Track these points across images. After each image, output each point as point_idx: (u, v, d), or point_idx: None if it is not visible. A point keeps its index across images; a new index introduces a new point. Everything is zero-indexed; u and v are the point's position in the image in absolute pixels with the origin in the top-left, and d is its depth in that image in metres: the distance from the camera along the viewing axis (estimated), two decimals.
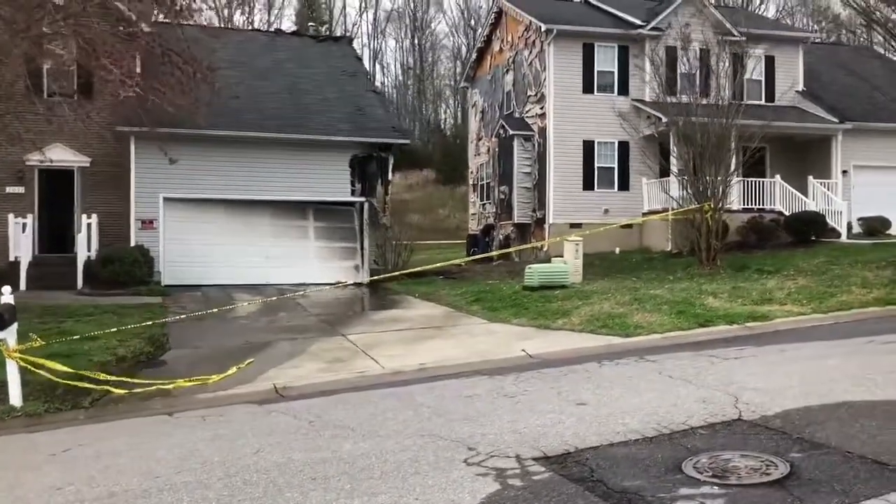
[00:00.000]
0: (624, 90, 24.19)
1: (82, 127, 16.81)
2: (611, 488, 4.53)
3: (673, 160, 19.60)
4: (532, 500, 4.41)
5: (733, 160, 18.63)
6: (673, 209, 18.42)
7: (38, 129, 16.14)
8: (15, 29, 11.89)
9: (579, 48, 23.99)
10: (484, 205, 29.54)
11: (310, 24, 55.87)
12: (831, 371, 7.41)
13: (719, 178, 17.17)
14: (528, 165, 25.20)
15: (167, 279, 18.39)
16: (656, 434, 5.55)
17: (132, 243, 18.39)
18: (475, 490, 4.61)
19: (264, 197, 19.78)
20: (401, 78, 66.65)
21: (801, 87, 25.74)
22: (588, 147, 23.89)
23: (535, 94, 25.00)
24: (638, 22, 24.28)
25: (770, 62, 25.27)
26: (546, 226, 23.78)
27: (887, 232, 22.91)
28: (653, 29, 23.84)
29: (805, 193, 21.95)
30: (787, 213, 21.37)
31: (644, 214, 22.30)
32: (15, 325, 7.61)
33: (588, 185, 23.93)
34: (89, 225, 18.18)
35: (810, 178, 22.49)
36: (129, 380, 7.93)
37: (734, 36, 21.95)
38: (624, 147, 23.78)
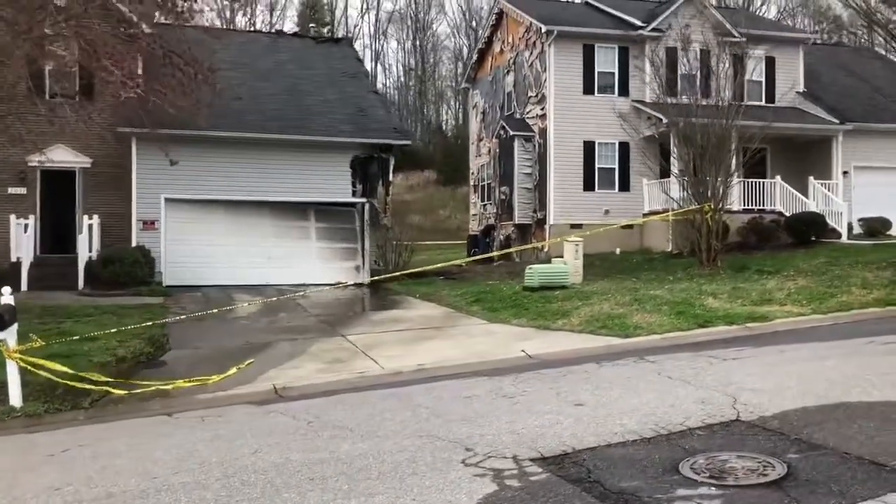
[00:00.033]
0: (624, 91, 24.21)
1: (84, 128, 16.84)
2: (608, 489, 4.53)
3: (673, 161, 19.59)
4: (529, 501, 4.42)
5: (733, 161, 18.63)
6: (673, 210, 18.41)
7: (40, 131, 16.19)
8: (17, 30, 11.93)
9: (580, 49, 24.01)
10: (485, 205, 29.56)
11: (311, 25, 56.00)
12: (830, 372, 7.40)
13: (719, 179, 17.17)
14: (528, 166, 25.21)
15: (168, 280, 18.43)
16: (654, 435, 5.55)
17: (133, 244, 18.43)
18: (472, 491, 4.62)
19: (266, 198, 19.82)
20: (402, 79, 66.85)
21: (801, 87, 25.75)
22: (588, 148, 23.91)
23: (536, 95, 25.02)
24: (638, 23, 24.30)
25: (770, 63, 25.27)
26: (546, 226, 23.80)
27: (888, 233, 22.87)
28: (653, 30, 23.85)
29: (805, 194, 21.94)
30: (787, 214, 21.36)
31: (644, 215, 22.30)
32: (15, 326, 7.62)
33: (588, 185, 23.96)
34: (90, 226, 18.22)
35: (811, 178, 22.48)
36: (128, 380, 7.95)
37: (734, 37, 21.97)
38: (624, 148, 23.79)
